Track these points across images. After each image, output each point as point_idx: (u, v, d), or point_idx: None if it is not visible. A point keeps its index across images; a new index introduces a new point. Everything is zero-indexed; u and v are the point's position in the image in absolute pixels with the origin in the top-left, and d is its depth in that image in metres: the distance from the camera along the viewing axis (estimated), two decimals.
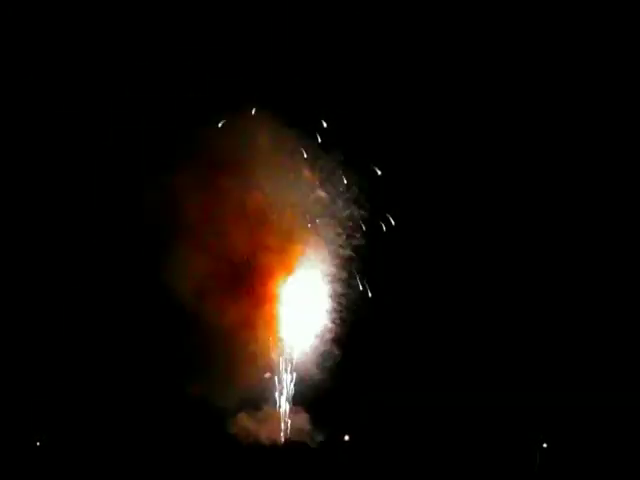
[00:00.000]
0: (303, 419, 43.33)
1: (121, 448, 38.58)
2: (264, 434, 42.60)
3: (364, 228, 43.58)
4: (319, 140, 43.57)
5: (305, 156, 43.92)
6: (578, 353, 40.43)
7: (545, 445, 38.73)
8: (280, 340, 43.31)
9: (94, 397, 39.79)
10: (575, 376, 40.55)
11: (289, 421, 43.19)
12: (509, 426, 39.65)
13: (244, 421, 43.89)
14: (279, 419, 43.32)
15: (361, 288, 43.58)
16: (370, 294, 43.35)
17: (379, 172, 42.71)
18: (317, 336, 43.48)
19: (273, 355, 43.68)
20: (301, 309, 43.66)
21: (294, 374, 43.17)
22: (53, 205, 42.47)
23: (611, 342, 40.62)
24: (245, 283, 44.21)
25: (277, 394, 43.54)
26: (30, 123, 42.55)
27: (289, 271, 44.52)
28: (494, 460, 38.32)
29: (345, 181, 43.87)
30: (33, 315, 40.92)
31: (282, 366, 43.42)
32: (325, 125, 43.79)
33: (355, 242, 44.29)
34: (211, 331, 43.88)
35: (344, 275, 44.48)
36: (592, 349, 40.59)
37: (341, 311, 43.92)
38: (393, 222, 43.08)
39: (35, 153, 42.53)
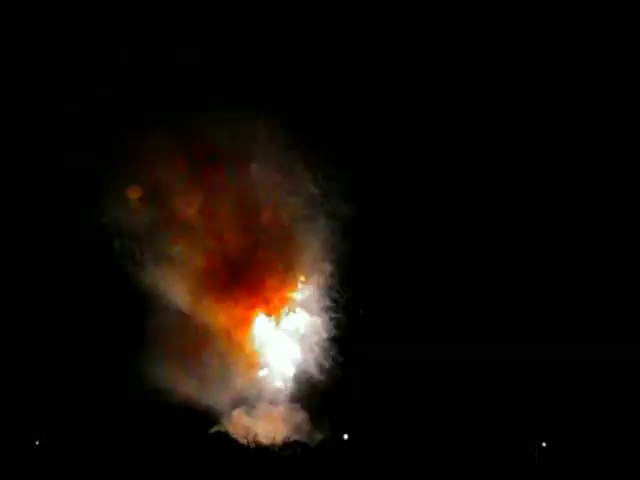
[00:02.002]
0: (301, 418, 43.34)
1: (119, 447, 38.57)
2: (262, 432, 42.61)
3: (358, 225, 43.72)
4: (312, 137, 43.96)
5: (298, 153, 44.16)
6: (577, 352, 40.49)
7: (544, 444, 38.80)
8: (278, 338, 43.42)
9: (93, 397, 39.82)
10: (574, 375, 40.64)
11: (287, 419, 43.26)
12: (508, 425, 39.70)
13: (241, 419, 43.90)
14: (276, 417, 43.33)
15: (357, 286, 43.72)
16: (366, 292, 43.53)
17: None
18: (315, 335, 43.58)
19: (270, 353, 43.74)
20: (299, 307, 43.77)
21: (292, 372, 43.22)
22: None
23: (610, 338, 40.69)
24: (241, 280, 44.28)
25: (274, 392, 43.54)
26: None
27: (287, 268, 44.48)
28: (493, 459, 38.37)
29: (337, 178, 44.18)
30: (32, 315, 40.93)
31: (279, 364, 43.44)
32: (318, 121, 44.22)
33: (351, 239, 44.33)
34: (205, 330, 43.97)
35: (340, 272, 44.54)
36: (590, 346, 40.63)
37: (337, 310, 43.98)
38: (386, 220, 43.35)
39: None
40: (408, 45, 42.32)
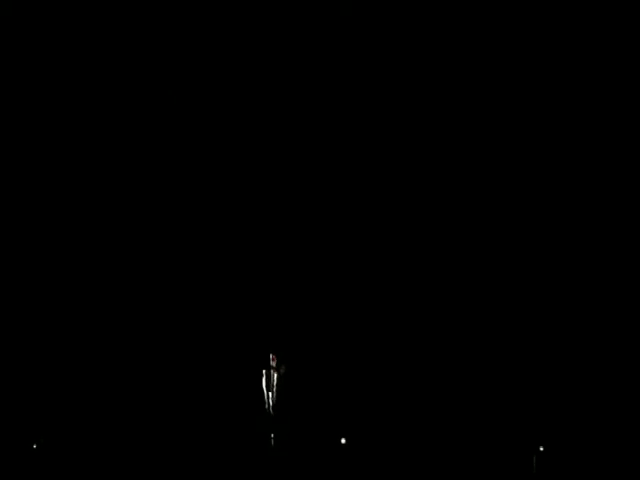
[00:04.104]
0: (297, 421, 43.18)
1: (118, 450, 38.74)
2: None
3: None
4: None
5: None
6: (575, 355, 40.51)
7: (542, 448, 38.81)
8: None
9: (91, 399, 39.99)
10: (572, 376, 40.70)
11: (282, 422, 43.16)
12: (505, 429, 39.78)
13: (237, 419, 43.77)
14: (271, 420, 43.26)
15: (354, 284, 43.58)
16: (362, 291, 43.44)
17: None
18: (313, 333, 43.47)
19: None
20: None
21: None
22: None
23: (608, 345, 40.65)
24: None
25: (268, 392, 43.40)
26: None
27: None
28: (490, 463, 38.46)
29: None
30: (32, 315, 41.12)
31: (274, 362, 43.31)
32: None
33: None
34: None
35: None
36: (589, 352, 40.64)
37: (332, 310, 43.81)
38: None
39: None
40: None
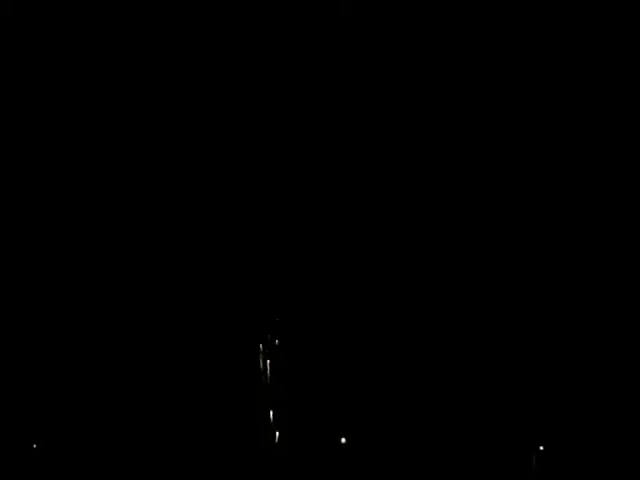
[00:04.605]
0: (296, 420, 43.13)
1: (116, 451, 38.64)
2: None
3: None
4: None
5: None
6: (574, 355, 40.42)
7: (542, 448, 38.72)
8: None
9: (90, 400, 39.89)
10: (571, 378, 40.59)
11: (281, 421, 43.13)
12: (505, 429, 39.67)
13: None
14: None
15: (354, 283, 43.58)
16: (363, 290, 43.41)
17: None
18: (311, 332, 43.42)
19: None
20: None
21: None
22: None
23: (608, 345, 40.56)
24: None
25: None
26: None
27: None
28: (491, 463, 38.36)
29: None
30: (30, 315, 40.99)
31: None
32: None
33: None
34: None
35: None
36: (589, 352, 40.55)
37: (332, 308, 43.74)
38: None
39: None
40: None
